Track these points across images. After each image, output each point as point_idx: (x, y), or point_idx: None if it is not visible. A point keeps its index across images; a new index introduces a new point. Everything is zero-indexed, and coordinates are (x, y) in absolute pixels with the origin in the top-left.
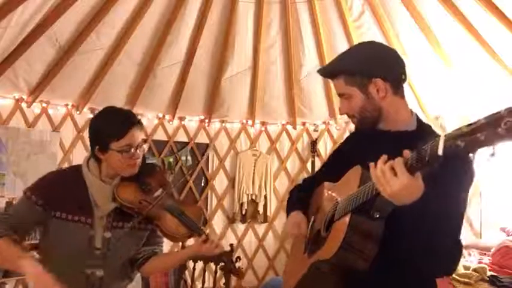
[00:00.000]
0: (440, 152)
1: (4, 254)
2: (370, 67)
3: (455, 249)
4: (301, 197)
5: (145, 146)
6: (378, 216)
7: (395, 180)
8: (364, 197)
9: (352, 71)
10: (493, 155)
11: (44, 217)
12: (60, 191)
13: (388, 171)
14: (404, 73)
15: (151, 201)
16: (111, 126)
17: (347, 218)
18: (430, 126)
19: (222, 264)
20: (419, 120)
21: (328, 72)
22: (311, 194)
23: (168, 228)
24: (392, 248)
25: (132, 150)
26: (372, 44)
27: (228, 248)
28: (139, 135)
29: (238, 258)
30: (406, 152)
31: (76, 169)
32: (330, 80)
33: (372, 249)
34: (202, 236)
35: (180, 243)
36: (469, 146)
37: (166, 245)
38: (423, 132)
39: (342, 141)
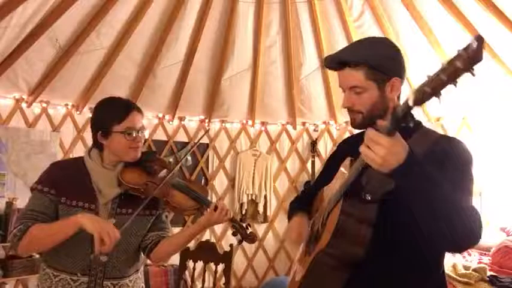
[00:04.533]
0: (411, 102)
1: (50, 230)
2: (392, 65)
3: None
4: (302, 207)
5: (146, 133)
6: (369, 198)
7: (379, 148)
8: (353, 176)
9: (375, 65)
10: (473, 71)
11: (55, 206)
12: (64, 178)
13: (370, 142)
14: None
15: (158, 182)
16: (112, 111)
17: (339, 205)
18: (420, 122)
19: (234, 230)
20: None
21: (348, 61)
22: (311, 204)
23: (177, 203)
24: (395, 241)
25: (134, 133)
26: (388, 41)
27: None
28: (139, 119)
29: (249, 225)
30: (380, 121)
31: (78, 159)
32: (328, 75)
33: (366, 234)
34: (212, 205)
35: None
36: (435, 88)
37: None
38: (412, 126)
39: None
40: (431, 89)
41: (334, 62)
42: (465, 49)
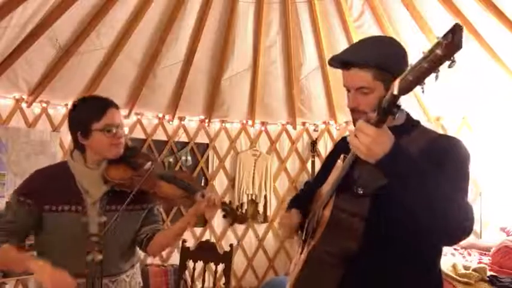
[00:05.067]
0: (395, 91)
1: (8, 258)
2: (399, 65)
3: (459, 214)
4: (299, 206)
5: (126, 129)
6: (361, 192)
7: (365, 137)
8: (345, 170)
9: (384, 66)
10: (452, 62)
11: (37, 215)
12: (46, 186)
13: (358, 132)
14: None
15: (143, 174)
16: (90, 109)
17: (332, 199)
18: (418, 121)
19: (224, 213)
20: (407, 115)
21: (356, 62)
22: (311, 201)
23: (165, 194)
24: (389, 236)
25: (114, 129)
26: (394, 40)
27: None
28: (117, 115)
29: (237, 207)
30: (370, 113)
31: (61, 163)
32: (328, 75)
33: (358, 228)
34: (198, 193)
35: None
36: (417, 76)
37: None
38: (410, 125)
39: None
40: (414, 77)
41: (341, 63)
42: (444, 37)
